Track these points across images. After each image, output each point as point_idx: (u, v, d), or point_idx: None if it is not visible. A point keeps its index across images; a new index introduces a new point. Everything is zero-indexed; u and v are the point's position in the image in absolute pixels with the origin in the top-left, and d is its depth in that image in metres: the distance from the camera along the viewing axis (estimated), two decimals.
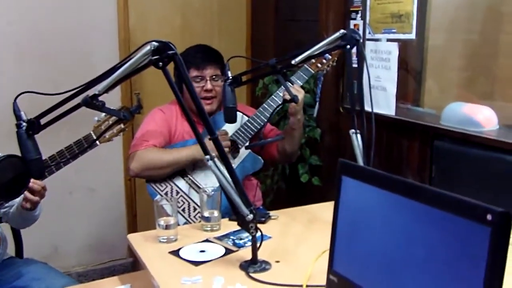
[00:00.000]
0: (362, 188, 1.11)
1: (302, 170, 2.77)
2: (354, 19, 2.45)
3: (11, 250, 2.18)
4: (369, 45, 2.38)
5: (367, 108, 1.79)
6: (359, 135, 1.77)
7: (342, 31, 1.77)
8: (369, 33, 2.38)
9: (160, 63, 1.39)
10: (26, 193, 1.79)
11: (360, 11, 2.42)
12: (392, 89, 2.28)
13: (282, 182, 2.99)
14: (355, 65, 2.21)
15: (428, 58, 2.21)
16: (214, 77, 2.25)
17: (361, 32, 2.40)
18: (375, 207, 1.08)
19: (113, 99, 3.04)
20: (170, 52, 1.38)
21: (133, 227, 3.34)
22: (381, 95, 2.33)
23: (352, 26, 2.46)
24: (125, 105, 3.09)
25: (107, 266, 3.32)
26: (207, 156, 1.43)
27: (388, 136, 2.36)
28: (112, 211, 3.32)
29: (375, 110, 2.26)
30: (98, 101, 1.48)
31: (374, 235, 1.08)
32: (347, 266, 1.14)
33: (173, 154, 2.15)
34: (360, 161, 1.74)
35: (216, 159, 1.44)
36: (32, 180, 1.71)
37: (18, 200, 1.95)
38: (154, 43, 1.39)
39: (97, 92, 1.45)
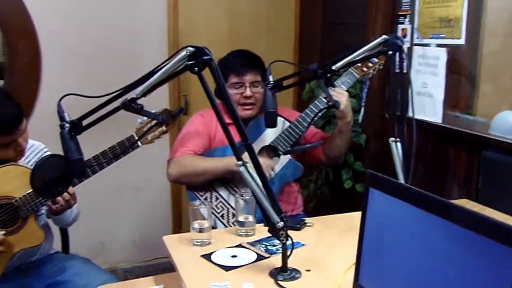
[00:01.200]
0: (390, 202, 1.08)
1: (345, 176, 2.73)
2: (402, 23, 2.39)
3: (57, 245, 2.27)
4: (416, 51, 2.31)
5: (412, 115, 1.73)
6: (399, 144, 1.72)
7: (384, 36, 1.73)
8: (417, 38, 2.31)
9: (196, 68, 1.40)
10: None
11: (408, 15, 2.36)
12: (439, 95, 2.20)
13: (325, 187, 2.95)
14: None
15: (481, 64, 2.12)
16: (254, 83, 2.24)
17: (408, 37, 2.33)
18: (403, 222, 1.05)
19: (161, 101, 3.10)
20: (206, 57, 1.39)
21: (178, 227, 3.39)
22: (428, 101, 2.25)
23: (400, 31, 2.40)
24: (173, 106, 3.18)
25: (152, 264, 3.39)
26: (239, 162, 1.43)
27: (433, 144, 2.28)
28: (157, 210, 3.39)
29: (422, 117, 2.21)
30: (137, 104, 1.51)
31: (401, 251, 1.05)
32: (372, 280, 1.12)
33: (209, 163, 2.15)
34: (400, 171, 1.69)
35: (248, 166, 1.44)
36: None
37: None
38: (189, 48, 1.40)
39: (134, 96, 1.48)
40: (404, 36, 2.37)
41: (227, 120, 1.45)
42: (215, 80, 1.44)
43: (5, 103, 1.81)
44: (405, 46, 2.33)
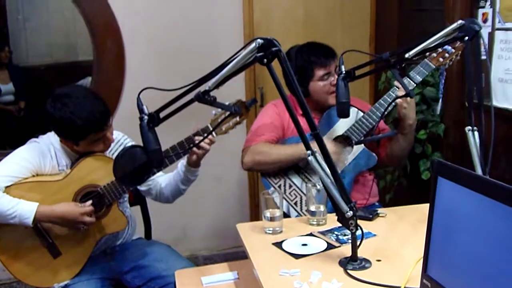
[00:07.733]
0: (459, 191, 1.05)
1: (423, 167, 2.66)
2: (483, 7, 2.28)
3: (140, 232, 2.39)
4: (498, 35, 2.20)
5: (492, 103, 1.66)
6: (476, 133, 1.65)
7: (460, 21, 1.66)
8: (499, 22, 2.20)
9: (265, 60, 1.43)
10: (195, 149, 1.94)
11: None
12: None
13: (403, 178, 2.89)
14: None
15: None
16: (336, 69, 2.25)
17: (490, 21, 2.22)
18: (472, 212, 1.02)
19: (237, 94, 3.15)
20: (274, 48, 1.42)
21: (255, 216, 3.46)
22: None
23: (480, 15, 2.29)
24: (249, 98, 3.23)
25: (231, 252, 3.47)
26: (308, 152, 1.44)
27: None
28: (236, 199, 3.48)
29: (505, 105, 2.11)
30: (210, 96, 1.56)
31: (470, 242, 1.02)
32: (441, 271, 1.10)
33: (282, 151, 2.19)
34: (476, 161, 1.63)
35: (317, 155, 1.45)
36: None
37: (170, 175, 2.14)
38: (259, 40, 1.43)
39: (207, 88, 1.53)
40: (485, 20, 2.26)
41: (300, 110, 1.47)
42: (284, 71, 1.46)
43: (94, 102, 1.91)
44: (486, 31, 2.23)
